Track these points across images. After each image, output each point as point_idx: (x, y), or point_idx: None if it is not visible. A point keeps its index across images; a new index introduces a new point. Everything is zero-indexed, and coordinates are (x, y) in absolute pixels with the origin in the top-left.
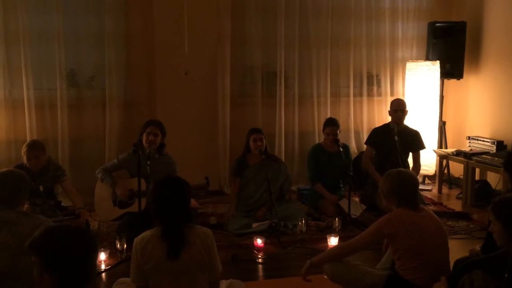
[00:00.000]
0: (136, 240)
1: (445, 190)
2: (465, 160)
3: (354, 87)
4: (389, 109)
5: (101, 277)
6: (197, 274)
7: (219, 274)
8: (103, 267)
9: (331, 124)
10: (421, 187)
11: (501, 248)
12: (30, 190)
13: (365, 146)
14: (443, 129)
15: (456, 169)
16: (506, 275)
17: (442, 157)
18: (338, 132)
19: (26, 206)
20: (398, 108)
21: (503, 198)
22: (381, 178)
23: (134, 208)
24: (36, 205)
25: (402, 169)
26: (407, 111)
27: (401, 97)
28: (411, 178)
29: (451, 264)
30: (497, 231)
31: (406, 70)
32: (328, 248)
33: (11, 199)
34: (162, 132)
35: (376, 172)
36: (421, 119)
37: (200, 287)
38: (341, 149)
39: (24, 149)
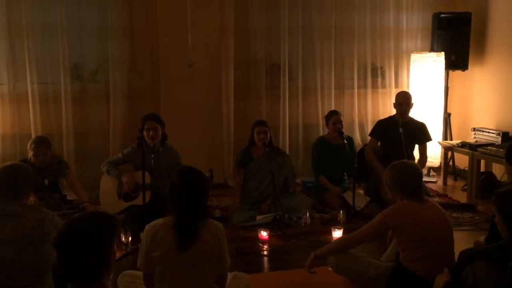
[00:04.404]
0: (147, 226)
1: (450, 182)
2: (470, 151)
3: (358, 79)
4: (394, 101)
5: None
6: (204, 267)
7: (227, 268)
8: None
9: (335, 113)
10: (426, 179)
11: (504, 239)
12: (35, 184)
13: (369, 138)
14: (448, 121)
15: (461, 160)
16: (510, 264)
17: (447, 149)
18: (342, 119)
19: (33, 199)
20: (403, 102)
21: (505, 190)
22: (383, 170)
23: (139, 201)
24: (41, 199)
25: (405, 160)
26: (412, 104)
27: (405, 89)
28: (414, 170)
29: (456, 256)
30: (498, 222)
31: (411, 61)
32: (333, 240)
33: (17, 192)
34: (161, 124)
35: (379, 164)
36: (426, 110)
37: (206, 280)
38: (345, 141)
39: (31, 145)
